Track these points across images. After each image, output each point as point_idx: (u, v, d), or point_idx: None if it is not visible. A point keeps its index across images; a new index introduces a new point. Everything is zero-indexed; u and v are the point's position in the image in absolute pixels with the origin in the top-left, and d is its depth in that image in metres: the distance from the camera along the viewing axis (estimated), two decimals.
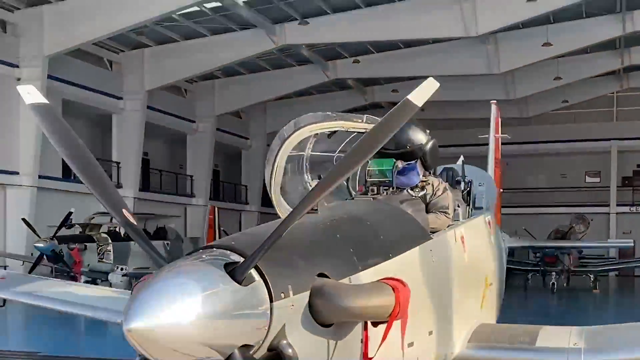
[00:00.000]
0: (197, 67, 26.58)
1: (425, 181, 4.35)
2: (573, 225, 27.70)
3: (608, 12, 24.01)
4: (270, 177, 3.88)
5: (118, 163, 27.39)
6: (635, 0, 23.39)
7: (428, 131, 4.57)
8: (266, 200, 37.72)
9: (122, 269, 18.72)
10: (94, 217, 20.18)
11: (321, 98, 33.73)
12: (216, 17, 23.92)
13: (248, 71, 30.41)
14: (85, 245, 19.11)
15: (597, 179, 38.42)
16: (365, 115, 4.14)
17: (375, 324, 2.90)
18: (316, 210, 3.12)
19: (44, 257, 18.26)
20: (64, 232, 19.15)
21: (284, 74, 30.11)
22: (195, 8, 22.27)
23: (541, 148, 37.36)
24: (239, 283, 2.45)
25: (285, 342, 2.57)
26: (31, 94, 2.79)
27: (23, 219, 19.94)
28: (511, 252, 18.85)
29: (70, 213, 19.06)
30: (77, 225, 20.34)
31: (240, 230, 26.30)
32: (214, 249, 2.63)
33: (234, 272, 2.45)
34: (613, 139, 36.46)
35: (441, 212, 4.44)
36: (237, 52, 25.55)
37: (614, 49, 28.71)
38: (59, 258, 18.22)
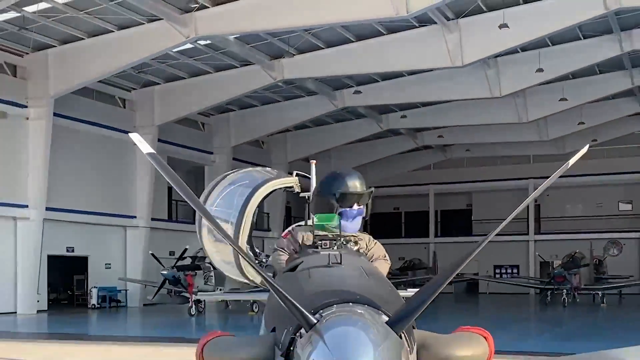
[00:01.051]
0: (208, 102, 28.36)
1: (355, 236, 4.26)
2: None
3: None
4: (239, 233, 4.20)
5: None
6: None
7: None
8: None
9: (220, 289, 23.97)
10: (199, 251, 23.43)
11: (338, 127, 35.85)
12: (215, 55, 25.38)
13: (260, 103, 32.00)
14: (195, 272, 24.69)
15: (629, 207, 42.00)
16: (295, 172, 4.73)
17: None
18: (340, 263, 3.23)
19: (167, 281, 24.46)
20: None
21: (294, 104, 31.67)
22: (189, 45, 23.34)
23: (577, 181, 38.92)
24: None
25: None
26: (142, 142, 2.83)
27: (152, 254, 25.38)
28: None
29: (185, 249, 24.81)
30: (188, 257, 25.30)
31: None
32: (361, 305, 2.66)
33: (393, 327, 2.53)
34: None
35: (384, 259, 4.50)
36: (242, 87, 27.21)
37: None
38: (177, 282, 24.40)
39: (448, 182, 45.52)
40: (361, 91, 28.73)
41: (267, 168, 4.97)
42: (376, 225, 46.25)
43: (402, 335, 2.55)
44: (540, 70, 24.92)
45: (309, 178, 4.83)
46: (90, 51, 22.92)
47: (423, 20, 22.02)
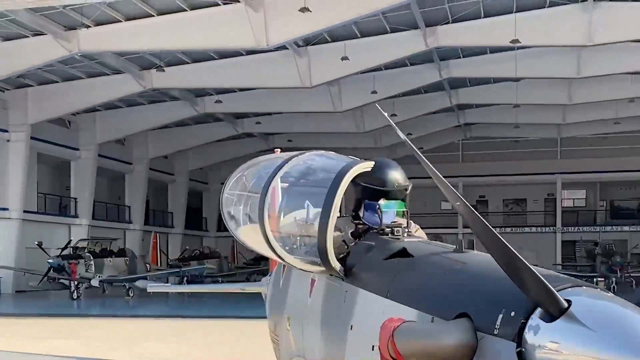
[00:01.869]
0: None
1: (395, 221, 4.12)
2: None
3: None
4: (328, 220, 3.71)
5: (75, 198, 34.52)
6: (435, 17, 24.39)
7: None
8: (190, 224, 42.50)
9: (99, 277, 27.77)
10: (78, 242, 29.21)
11: (199, 128, 38.13)
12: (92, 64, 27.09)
13: (126, 105, 33.36)
14: (78, 261, 27.39)
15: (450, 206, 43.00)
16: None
17: None
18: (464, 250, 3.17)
19: (52, 269, 26.88)
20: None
21: (159, 108, 33.67)
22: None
23: None
24: None
25: None
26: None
27: (38, 243, 27.58)
28: None
29: (70, 240, 29.18)
30: (70, 247, 28.30)
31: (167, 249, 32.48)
32: (592, 288, 2.49)
33: None
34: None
35: None
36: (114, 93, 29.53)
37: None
38: (62, 269, 27.01)
39: None
40: (170, 71, 27.89)
41: (332, 153, 4.48)
42: None
43: None
44: (345, 58, 25.14)
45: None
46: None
47: None
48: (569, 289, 2.41)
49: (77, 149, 34.32)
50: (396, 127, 2.92)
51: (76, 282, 27.41)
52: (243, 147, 42.74)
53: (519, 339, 2.37)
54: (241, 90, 31.26)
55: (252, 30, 22.29)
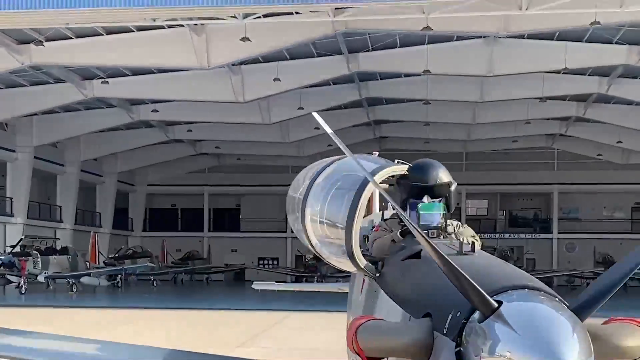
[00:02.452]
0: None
1: (445, 222, 4.14)
2: None
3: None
4: (353, 223, 3.81)
5: (11, 198, 35.90)
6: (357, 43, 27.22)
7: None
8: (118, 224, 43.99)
9: (45, 273, 30.25)
10: (23, 238, 32.76)
11: (131, 133, 39.56)
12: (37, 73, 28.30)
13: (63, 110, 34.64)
14: (27, 258, 29.65)
15: None
16: (396, 160, 4.32)
17: None
18: (473, 252, 3.21)
19: (2, 265, 29.20)
20: None
21: (96, 114, 35.24)
22: None
23: None
24: None
25: None
26: (324, 123, 3.02)
27: None
28: None
29: (21, 239, 31.92)
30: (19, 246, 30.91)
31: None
32: (536, 291, 2.57)
33: (578, 314, 2.47)
34: None
35: (473, 238, 4.41)
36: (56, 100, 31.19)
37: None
38: (13, 265, 29.32)
39: (221, 185, 49.16)
40: (112, 82, 29.40)
41: (370, 156, 4.71)
42: (154, 220, 51.00)
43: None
44: (277, 79, 27.72)
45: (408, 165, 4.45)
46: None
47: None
48: (510, 290, 2.50)
49: (14, 151, 35.49)
50: (336, 138, 2.90)
51: (24, 278, 29.49)
52: (171, 152, 44.89)
53: (459, 339, 2.49)
54: (175, 100, 32.65)
55: (194, 52, 24.63)
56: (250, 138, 39.43)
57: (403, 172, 4.19)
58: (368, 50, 27.82)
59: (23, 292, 29.18)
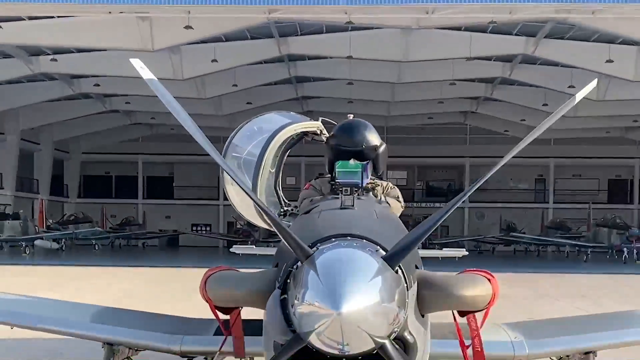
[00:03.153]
0: None
1: (372, 182, 4.21)
2: None
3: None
4: (257, 178, 3.92)
5: None
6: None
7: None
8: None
9: (1, 236, 33.66)
10: None
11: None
12: None
13: None
14: None
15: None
16: (321, 118, 4.44)
17: (462, 314, 2.93)
18: (353, 206, 3.18)
19: None
20: None
21: None
22: None
23: None
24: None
25: (407, 331, 2.61)
26: (143, 69, 2.85)
27: None
28: None
29: None
30: None
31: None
32: (359, 239, 2.63)
33: (388, 262, 2.49)
34: None
35: (396, 199, 4.52)
36: None
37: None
38: None
39: (154, 154, 51.32)
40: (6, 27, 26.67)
41: (290, 113, 4.74)
42: (90, 187, 52.87)
43: (400, 271, 2.54)
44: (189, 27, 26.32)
45: (335, 124, 4.54)
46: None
47: None
48: (334, 239, 2.62)
49: None
50: (157, 85, 2.87)
51: None
52: (107, 122, 46.56)
53: (284, 287, 2.61)
54: (79, 51, 31.12)
55: (140, 37, 27.00)
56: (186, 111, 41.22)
57: (316, 129, 4.40)
58: (297, 35, 30.74)
59: None
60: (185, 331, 4.45)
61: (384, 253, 2.54)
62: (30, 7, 23.21)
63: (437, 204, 52.54)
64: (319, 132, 4.50)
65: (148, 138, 52.33)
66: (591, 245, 36.84)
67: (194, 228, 51.35)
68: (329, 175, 4.26)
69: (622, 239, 36.19)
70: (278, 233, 2.55)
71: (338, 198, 3.46)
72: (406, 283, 2.58)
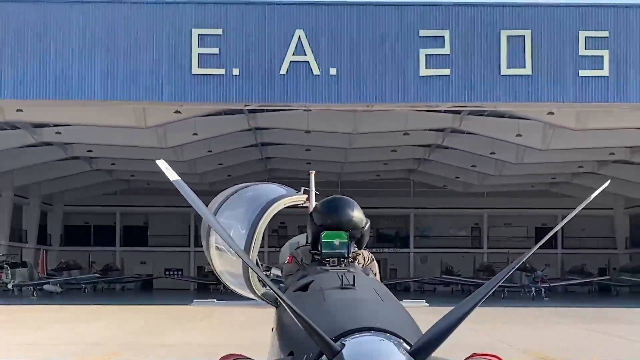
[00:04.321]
0: None
1: (355, 252, 4.10)
2: None
3: None
4: (250, 249, 4.03)
5: None
6: None
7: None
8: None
9: (13, 281, 39.11)
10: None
11: None
12: None
13: None
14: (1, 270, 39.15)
15: None
16: (303, 188, 4.61)
17: None
18: (353, 285, 3.18)
19: None
20: None
21: None
22: None
23: None
24: None
25: None
26: (169, 170, 2.90)
27: None
28: None
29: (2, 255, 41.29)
30: None
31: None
32: (382, 332, 2.65)
33: (414, 356, 2.54)
34: None
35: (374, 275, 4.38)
36: None
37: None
38: None
39: (131, 205, 57.00)
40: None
41: (275, 184, 4.81)
42: (71, 236, 57.87)
43: None
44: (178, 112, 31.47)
45: (316, 194, 4.61)
46: None
47: None
48: (357, 333, 2.61)
49: None
50: (182, 186, 2.94)
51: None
52: (88, 177, 51.63)
53: None
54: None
55: (134, 118, 32.75)
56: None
57: (303, 202, 4.47)
58: (263, 112, 36.82)
59: None
60: None
61: (407, 347, 2.58)
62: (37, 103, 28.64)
63: (386, 250, 58.93)
64: (306, 203, 4.52)
65: (125, 191, 57.80)
66: (507, 285, 42.95)
67: (167, 272, 56.76)
68: (307, 245, 4.22)
69: (530, 279, 42.84)
70: (299, 323, 2.53)
71: (327, 270, 3.64)
72: None
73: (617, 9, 26.90)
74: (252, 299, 4.94)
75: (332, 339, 2.51)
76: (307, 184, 5.10)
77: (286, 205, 4.36)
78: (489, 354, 3.01)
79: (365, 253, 4.34)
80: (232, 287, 4.47)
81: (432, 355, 2.73)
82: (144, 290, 54.90)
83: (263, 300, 4.47)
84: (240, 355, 2.97)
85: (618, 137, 36.91)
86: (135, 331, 19.55)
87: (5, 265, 39.11)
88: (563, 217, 3.02)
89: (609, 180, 3.51)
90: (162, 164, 2.89)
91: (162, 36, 26.58)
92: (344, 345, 2.51)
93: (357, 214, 4.09)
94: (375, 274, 4.26)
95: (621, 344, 16.03)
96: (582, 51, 26.59)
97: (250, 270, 3.96)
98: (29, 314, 26.15)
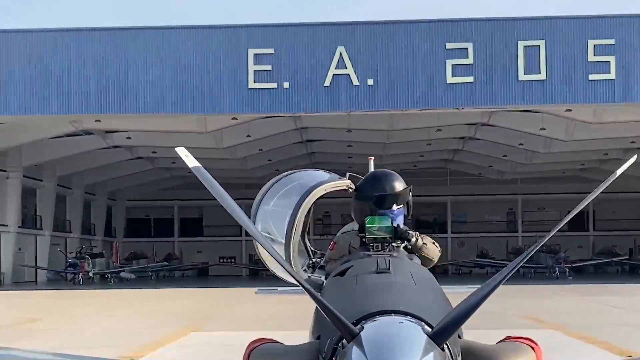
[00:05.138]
0: None
1: (406, 233, 4.02)
2: None
3: None
4: (290, 237, 3.92)
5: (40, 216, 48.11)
6: None
7: None
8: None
9: (93, 270, 44.22)
10: (82, 247, 46.72)
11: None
12: None
13: None
14: (84, 260, 43.42)
15: None
16: (348, 174, 4.41)
17: None
18: (389, 270, 3.12)
19: (70, 266, 43.21)
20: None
21: None
22: None
23: None
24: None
25: None
26: (188, 157, 2.90)
27: (60, 250, 45.41)
28: None
29: (82, 247, 46.53)
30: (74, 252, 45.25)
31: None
32: (404, 315, 2.60)
33: (435, 340, 2.46)
34: None
35: (433, 244, 4.36)
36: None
37: None
38: (76, 265, 42.93)
39: (187, 199, 61.67)
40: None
41: (320, 171, 4.58)
42: (133, 228, 63.06)
43: (446, 346, 2.52)
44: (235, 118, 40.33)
45: (361, 178, 4.38)
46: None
47: None
48: (378, 316, 2.58)
49: (41, 180, 46.95)
50: (202, 172, 2.91)
51: (80, 274, 42.66)
52: (149, 174, 56.69)
53: None
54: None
55: (196, 124, 37.21)
56: (213, 165, 47.61)
57: (354, 185, 4.25)
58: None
59: (81, 283, 41.95)
60: None
61: (428, 329, 2.51)
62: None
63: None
64: (347, 189, 4.37)
65: (182, 187, 62.33)
66: (534, 265, 46.74)
67: (221, 260, 61.33)
68: (356, 229, 4.20)
69: (553, 260, 46.29)
70: (320, 308, 2.53)
71: (370, 255, 3.62)
72: (452, 358, 2.56)
73: (622, 19, 30.32)
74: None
75: (352, 323, 2.52)
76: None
77: (329, 190, 4.29)
78: (523, 337, 2.96)
79: (414, 233, 4.14)
80: (277, 273, 4.39)
81: (464, 338, 2.82)
82: (201, 276, 59.54)
83: (304, 287, 4.09)
84: (270, 339, 3.00)
85: (636, 128, 40.06)
86: (213, 305, 23.93)
87: (86, 256, 44.18)
88: (593, 201, 2.97)
89: (636, 155, 3.42)
90: (181, 152, 2.91)
91: (222, 56, 30.90)
92: (363, 328, 2.51)
93: (398, 180, 4.18)
94: (433, 244, 4.26)
95: (605, 310, 19.49)
96: (591, 57, 30.14)
97: (292, 256, 4.02)
98: (121, 296, 30.69)
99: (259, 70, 30.92)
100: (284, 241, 3.92)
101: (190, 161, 2.85)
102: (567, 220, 2.79)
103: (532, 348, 2.83)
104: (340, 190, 4.29)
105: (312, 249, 4.70)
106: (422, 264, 3.93)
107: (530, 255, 2.57)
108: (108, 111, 31.55)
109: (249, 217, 3.61)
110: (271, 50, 30.88)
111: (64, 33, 32.09)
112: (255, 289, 8.29)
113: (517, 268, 2.56)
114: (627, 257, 54.26)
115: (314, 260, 4.60)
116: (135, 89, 30.95)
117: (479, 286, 2.54)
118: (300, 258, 4.36)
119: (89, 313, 21.48)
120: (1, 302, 27.64)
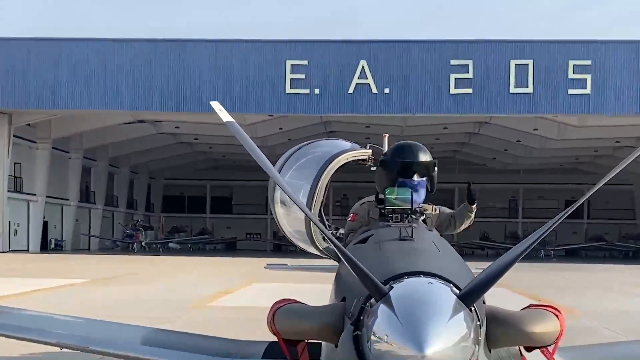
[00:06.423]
0: None
1: (422, 206, 4.18)
2: None
3: None
4: (312, 202, 4.00)
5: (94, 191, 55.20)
6: None
7: None
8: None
9: (145, 240, 50.44)
10: (138, 221, 54.80)
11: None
12: None
13: None
14: (139, 232, 50.39)
15: None
16: (369, 145, 4.49)
17: (528, 349, 2.95)
18: (412, 237, 3.19)
19: (127, 236, 50.48)
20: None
21: None
22: None
23: None
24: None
25: None
26: (222, 111, 2.99)
27: (119, 223, 55.15)
28: None
29: (138, 221, 55.25)
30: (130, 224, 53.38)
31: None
32: (432, 276, 2.65)
33: (463, 300, 2.50)
34: None
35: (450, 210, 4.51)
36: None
37: None
38: (132, 236, 50.15)
39: (218, 179, 68.12)
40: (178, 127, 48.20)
41: (341, 140, 4.65)
42: (169, 205, 69.64)
43: (473, 309, 2.55)
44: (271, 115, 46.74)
45: (382, 150, 4.43)
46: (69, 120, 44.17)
47: None
48: (406, 277, 2.61)
49: (95, 160, 53.68)
50: (235, 126, 2.99)
51: (135, 243, 49.64)
52: (184, 156, 62.88)
53: (358, 323, 2.60)
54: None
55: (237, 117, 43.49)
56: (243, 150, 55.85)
57: (366, 157, 4.32)
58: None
59: (135, 251, 48.74)
60: (233, 353, 4.49)
61: (457, 291, 2.55)
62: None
63: None
64: (367, 159, 4.44)
65: (214, 168, 69.09)
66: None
67: (248, 235, 67.92)
68: (373, 200, 4.25)
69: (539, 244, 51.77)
70: (349, 267, 2.54)
71: (389, 225, 3.63)
72: (479, 321, 2.59)
73: (597, 44, 36.36)
74: (322, 265, 5.70)
75: (381, 282, 2.53)
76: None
77: (351, 159, 4.29)
78: (547, 305, 2.94)
79: (430, 207, 4.36)
80: (297, 243, 4.43)
81: (489, 304, 2.86)
82: (229, 250, 65.91)
83: (325, 255, 4.50)
84: (294, 300, 2.99)
85: (617, 131, 45.91)
86: (256, 269, 30.19)
87: (140, 228, 51.11)
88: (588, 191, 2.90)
89: None
90: (215, 105, 2.98)
91: (265, 66, 37.23)
92: (392, 287, 2.52)
93: (425, 151, 4.25)
94: (449, 211, 4.52)
95: (560, 281, 25.21)
96: (571, 75, 36.26)
97: (312, 225, 4.01)
98: (177, 261, 36.07)
99: (294, 78, 37.25)
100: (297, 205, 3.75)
101: (225, 115, 3.06)
102: (577, 206, 2.84)
103: (556, 316, 2.86)
104: (360, 160, 4.41)
105: (328, 222, 4.81)
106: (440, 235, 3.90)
107: (547, 234, 2.71)
108: (170, 110, 38.01)
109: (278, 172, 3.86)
110: (305, 62, 37.18)
111: (159, 43, 38.97)
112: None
113: (536, 243, 2.68)
114: (605, 242, 59.74)
115: (332, 231, 4.64)
116: (193, 91, 37.38)
117: (496, 260, 2.67)
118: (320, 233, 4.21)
119: (167, 271, 27.75)
120: (91, 263, 33.86)
